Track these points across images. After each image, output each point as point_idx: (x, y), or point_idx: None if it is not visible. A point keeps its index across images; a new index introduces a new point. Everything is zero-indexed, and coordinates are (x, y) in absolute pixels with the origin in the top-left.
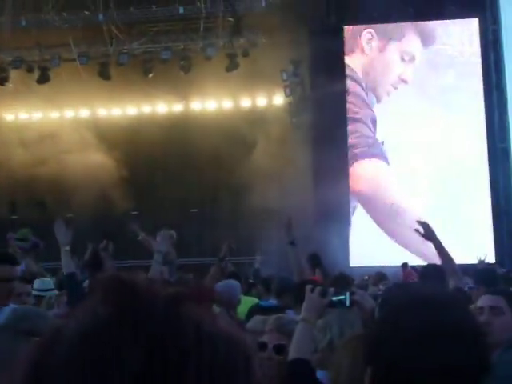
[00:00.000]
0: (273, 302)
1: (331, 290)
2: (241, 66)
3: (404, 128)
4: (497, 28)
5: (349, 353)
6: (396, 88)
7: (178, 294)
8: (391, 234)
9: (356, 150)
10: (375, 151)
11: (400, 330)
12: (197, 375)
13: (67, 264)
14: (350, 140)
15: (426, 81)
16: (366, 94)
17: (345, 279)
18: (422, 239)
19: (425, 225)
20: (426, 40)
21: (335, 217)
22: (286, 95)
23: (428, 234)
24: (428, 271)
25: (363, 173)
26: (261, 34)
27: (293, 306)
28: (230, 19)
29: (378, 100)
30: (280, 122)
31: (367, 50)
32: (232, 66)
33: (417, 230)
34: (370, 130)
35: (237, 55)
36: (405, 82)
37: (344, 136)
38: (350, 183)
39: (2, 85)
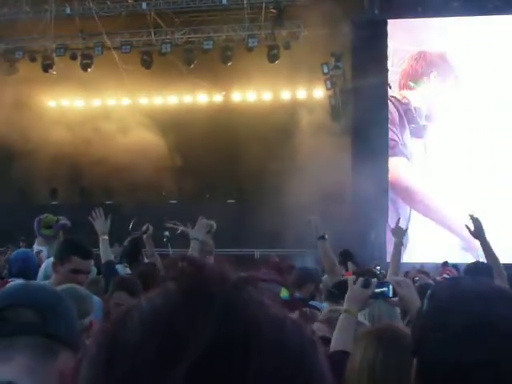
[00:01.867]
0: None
1: (374, 280)
2: (282, 57)
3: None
4: None
5: (361, 346)
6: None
7: (246, 275)
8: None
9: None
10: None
11: (447, 323)
12: (262, 351)
13: (105, 252)
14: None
15: (468, 93)
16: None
17: (373, 274)
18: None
19: (476, 222)
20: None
21: (373, 210)
22: (327, 88)
23: (477, 232)
24: (475, 268)
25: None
26: (303, 26)
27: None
28: (273, 11)
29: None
30: (320, 115)
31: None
32: (273, 57)
33: (467, 226)
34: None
35: (278, 47)
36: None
37: (384, 130)
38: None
39: (47, 72)
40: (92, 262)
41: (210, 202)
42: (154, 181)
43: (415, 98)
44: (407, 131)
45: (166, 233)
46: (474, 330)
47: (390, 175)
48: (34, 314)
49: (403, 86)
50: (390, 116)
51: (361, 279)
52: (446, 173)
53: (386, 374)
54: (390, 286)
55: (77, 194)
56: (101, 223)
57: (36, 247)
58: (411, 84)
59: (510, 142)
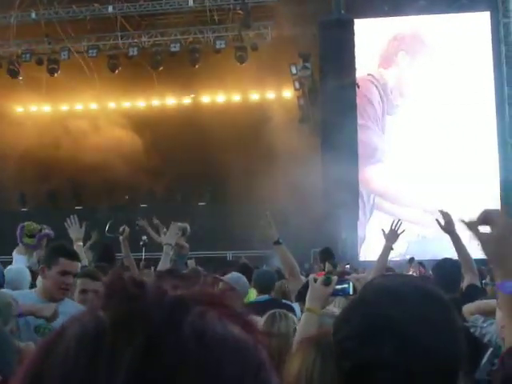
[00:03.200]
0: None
1: (335, 278)
2: (250, 59)
3: (415, 126)
4: (508, 21)
5: (299, 354)
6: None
7: (184, 297)
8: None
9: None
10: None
11: (350, 319)
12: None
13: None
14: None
15: (436, 79)
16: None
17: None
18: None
19: (447, 216)
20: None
21: (344, 210)
22: (295, 89)
23: (448, 226)
24: (443, 265)
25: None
26: (270, 27)
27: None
28: (240, 12)
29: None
30: (290, 116)
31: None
32: (241, 58)
33: (437, 221)
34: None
35: (246, 48)
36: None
37: (353, 130)
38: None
39: (14, 77)
40: (79, 264)
41: (181, 204)
42: (125, 183)
43: (390, 76)
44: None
45: (144, 237)
46: (371, 328)
47: (370, 182)
48: None
49: (380, 66)
50: (373, 104)
51: (321, 277)
52: (414, 155)
53: (323, 382)
54: (351, 284)
55: (46, 198)
56: (75, 230)
57: (15, 255)
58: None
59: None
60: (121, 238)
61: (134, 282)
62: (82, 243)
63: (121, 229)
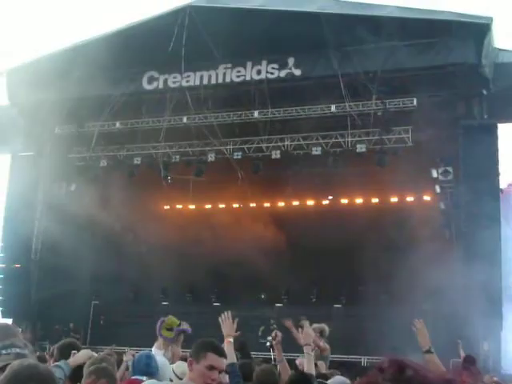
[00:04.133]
0: None
1: None
2: (390, 161)
3: None
4: None
5: None
6: None
7: (449, 377)
8: None
9: None
10: None
11: None
12: None
13: (230, 355)
14: None
15: None
16: None
17: None
18: None
19: None
20: None
21: (485, 320)
22: (436, 193)
23: None
24: None
25: None
26: (411, 131)
27: None
28: (381, 116)
29: None
30: (428, 218)
31: None
32: (381, 162)
33: None
34: None
35: (386, 152)
36: None
37: (496, 234)
38: None
39: (164, 177)
40: (225, 360)
41: (316, 305)
42: (263, 280)
43: None
44: None
45: (269, 338)
46: None
47: None
48: None
49: None
50: None
51: None
52: None
53: None
54: None
55: (186, 291)
56: (228, 326)
57: (154, 350)
58: None
59: None
60: (274, 342)
61: (405, 361)
62: (232, 340)
63: (273, 334)
